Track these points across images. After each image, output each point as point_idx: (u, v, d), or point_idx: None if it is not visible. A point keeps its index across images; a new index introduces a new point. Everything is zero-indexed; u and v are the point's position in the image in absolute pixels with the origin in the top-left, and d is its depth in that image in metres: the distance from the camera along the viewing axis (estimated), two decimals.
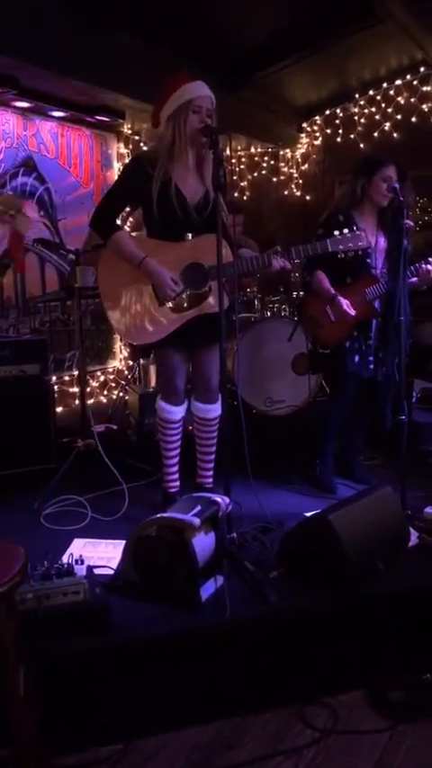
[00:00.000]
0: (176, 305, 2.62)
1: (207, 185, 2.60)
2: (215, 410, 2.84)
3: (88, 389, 5.00)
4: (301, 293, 4.27)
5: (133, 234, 2.68)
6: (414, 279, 3.02)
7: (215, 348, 2.66)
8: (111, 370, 5.61)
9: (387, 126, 5.55)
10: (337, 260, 3.02)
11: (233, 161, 6.38)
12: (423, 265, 3.00)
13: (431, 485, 3.13)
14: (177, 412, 2.85)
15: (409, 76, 5.37)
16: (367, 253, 3.01)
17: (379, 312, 3.05)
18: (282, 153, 6.40)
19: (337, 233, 2.62)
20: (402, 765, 1.78)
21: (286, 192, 6.42)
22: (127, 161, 4.81)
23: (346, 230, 2.62)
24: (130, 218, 5.07)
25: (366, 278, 3.03)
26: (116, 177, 5.16)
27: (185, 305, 2.62)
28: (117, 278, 2.65)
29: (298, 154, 6.34)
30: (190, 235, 2.60)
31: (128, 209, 2.73)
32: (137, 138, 5.51)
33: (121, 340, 5.60)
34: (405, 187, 2.89)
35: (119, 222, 2.73)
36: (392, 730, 1.89)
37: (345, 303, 2.98)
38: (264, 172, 6.45)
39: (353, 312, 2.98)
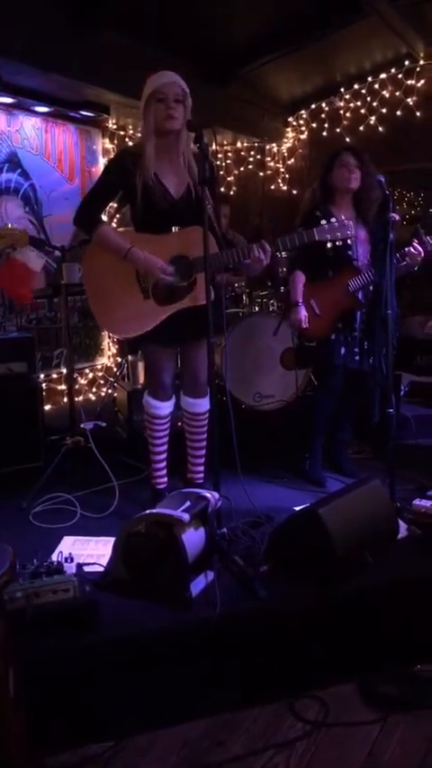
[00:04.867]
0: (162, 297, 2.58)
1: (191, 177, 2.58)
2: (204, 404, 2.81)
3: (77, 387, 4.98)
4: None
5: (120, 229, 2.65)
6: (403, 263, 3.03)
7: (204, 342, 2.63)
8: (99, 367, 5.58)
9: (372, 120, 5.55)
10: (320, 254, 3.03)
11: (219, 156, 6.35)
12: (408, 249, 3.04)
13: (419, 477, 3.15)
14: (164, 407, 2.84)
15: (393, 70, 5.36)
16: (348, 245, 3.01)
17: (362, 303, 3.07)
18: (268, 147, 6.39)
19: (324, 222, 2.58)
20: (394, 757, 1.79)
21: (273, 187, 6.41)
22: (112, 156, 4.78)
23: (333, 219, 2.59)
24: (117, 215, 5.04)
25: (348, 270, 3.04)
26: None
27: (170, 297, 2.58)
28: (102, 272, 2.63)
29: (284, 148, 6.33)
30: (176, 228, 2.56)
31: (115, 205, 2.69)
32: (122, 133, 5.48)
33: (108, 336, 5.57)
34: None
35: (104, 218, 2.70)
36: (383, 722, 1.90)
37: (302, 313, 3.06)
38: (250, 166, 6.43)
39: (306, 324, 3.07)
